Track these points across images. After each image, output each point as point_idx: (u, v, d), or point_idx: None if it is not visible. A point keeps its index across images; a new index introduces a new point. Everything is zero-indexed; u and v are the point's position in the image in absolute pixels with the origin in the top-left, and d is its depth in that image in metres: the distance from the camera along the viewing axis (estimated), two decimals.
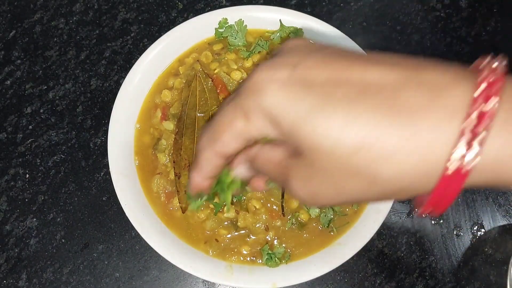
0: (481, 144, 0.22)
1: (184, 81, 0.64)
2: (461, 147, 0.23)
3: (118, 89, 0.62)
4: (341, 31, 0.65)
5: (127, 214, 0.58)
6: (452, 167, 0.23)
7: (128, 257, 0.63)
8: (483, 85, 0.23)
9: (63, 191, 0.65)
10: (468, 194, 0.66)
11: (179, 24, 0.65)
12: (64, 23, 0.73)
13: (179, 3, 0.74)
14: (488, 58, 0.25)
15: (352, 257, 0.57)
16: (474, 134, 0.22)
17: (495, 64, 0.25)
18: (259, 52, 0.65)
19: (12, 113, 0.68)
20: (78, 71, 0.70)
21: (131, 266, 0.63)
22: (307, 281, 0.59)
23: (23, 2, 0.73)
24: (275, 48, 0.65)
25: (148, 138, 0.63)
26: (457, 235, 0.65)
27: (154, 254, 0.62)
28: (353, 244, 0.58)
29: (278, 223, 0.59)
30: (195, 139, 0.60)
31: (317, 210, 0.59)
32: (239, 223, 0.58)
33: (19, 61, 0.71)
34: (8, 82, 0.70)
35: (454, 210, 0.66)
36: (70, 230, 0.64)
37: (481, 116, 0.23)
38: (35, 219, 0.64)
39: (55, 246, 0.63)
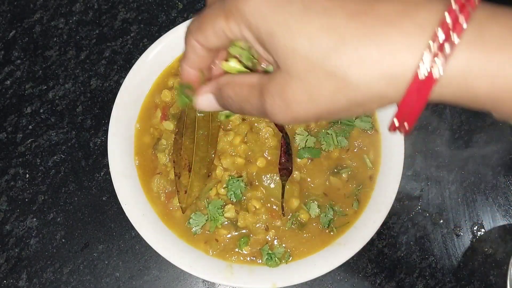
0: (446, 56, 0.24)
1: None
2: (428, 58, 0.24)
3: (118, 89, 0.62)
4: None
5: (127, 214, 0.58)
6: (420, 75, 0.24)
7: (128, 257, 0.63)
8: (455, 5, 0.24)
9: (63, 191, 0.65)
10: (468, 194, 0.66)
11: (179, 24, 0.65)
12: (64, 23, 0.72)
13: (179, 3, 0.74)
14: None
15: (352, 257, 0.57)
16: (441, 47, 0.24)
17: None
18: None
19: (12, 113, 0.68)
20: (78, 71, 0.70)
21: (131, 266, 0.63)
22: (307, 281, 0.59)
23: (23, 2, 0.73)
24: None
25: (148, 138, 0.63)
26: (457, 235, 0.65)
27: (154, 254, 0.62)
28: (353, 244, 0.58)
29: (278, 223, 0.59)
30: (195, 139, 0.60)
31: (317, 210, 0.59)
32: (239, 223, 0.58)
33: (19, 61, 0.71)
34: (8, 82, 0.70)
35: (454, 210, 0.66)
36: (70, 230, 0.64)
37: (448, 31, 0.24)
38: (35, 219, 0.64)
39: (55, 246, 0.63)
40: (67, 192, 0.65)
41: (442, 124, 0.69)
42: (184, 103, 0.39)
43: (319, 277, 0.57)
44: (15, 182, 0.66)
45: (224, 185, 0.59)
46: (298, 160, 0.60)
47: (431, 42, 0.24)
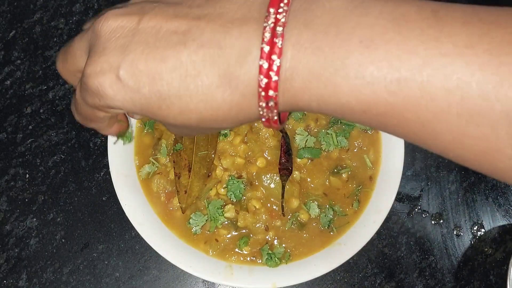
0: (275, 106, 0.27)
1: None
2: (262, 110, 0.27)
3: None
4: None
5: (127, 214, 0.58)
6: (263, 117, 0.28)
7: (128, 257, 0.63)
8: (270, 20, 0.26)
9: (63, 191, 0.65)
10: (468, 194, 0.66)
11: None
12: (64, 23, 0.73)
13: None
14: None
15: (352, 257, 0.57)
16: (267, 99, 0.26)
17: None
18: None
19: (12, 113, 0.68)
20: None
21: (131, 266, 0.63)
22: (307, 281, 0.59)
23: (23, 2, 0.73)
24: None
25: (148, 138, 0.63)
26: (457, 235, 0.65)
27: (154, 254, 0.62)
28: (353, 244, 0.58)
29: (278, 223, 0.59)
30: (195, 139, 0.60)
31: (317, 210, 0.59)
32: (239, 223, 0.58)
33: (19, 61, 0.71)
34: (8, 82, 0.70)
35: (454, 210, 0.66)
36: (70, 230, 0.64)
37: (272, 44, 0.25)
38: (35, 219, 0.64)
39: (55, 246, 0.63)
40: (67, 192, 0.65)
41: None
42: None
43: (319, 277, 0.57)
44: (15, 182, 0.66)
45: (224, 185, 0.59)
46: (298, 160, 0.60)
47: (259, 102, 0.27)
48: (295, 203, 0.59)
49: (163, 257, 0.57)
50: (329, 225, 0.59)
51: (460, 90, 0.23)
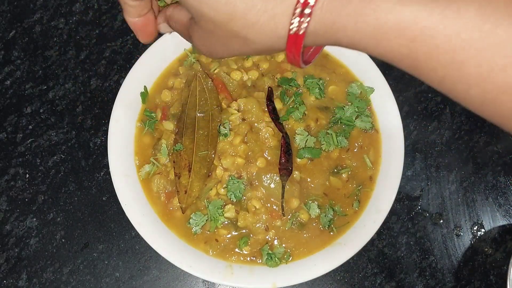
0: (308, 15, 0.30)
1: (184, 81, 0.64)
2: (296, 17, 0.31)
3: (118, 89, 0.62)
4: None
5: (127, 214, 0.58)
6: (291, 30, 0.31)
7: (128, 257, 0.63)
8: None
9: (63, 191, 0.65)
10: (468, 194, 0.66)
11: None
12: (64, 23, 0.73)
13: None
14: None
15: (352, 257, 0.57)
16: (304, 6, 0.30)
17: None
18: None
19: (12, 113, 0.68)
20: (78, 71, 0.70)
21: (131, 266, 0.63)
22: (307, 281, 0.59)
23: (23, 2, 0.73)
24: None
25: (148, 138, 0.63)
26: (457, 235, 0.65)
27: (154, 254, 0.62)
28: (353, 244, 0.58)
29: (278, 223, 0.59)
30: (195, 139, 0.60)
31: (317, 210, 0.59)
32: (239, 223, 0.58)
33: (19, 61, 0.71)
34: (8, 82, 0.70)
35: (454, 210, 0.66)
36: (70, 230, 0.64)
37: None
38: (35, 219, 0.64)
39: (55, 246, 0.63)
40: (67, 192, 0.65)
41: (442, 124, 0.69)
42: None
43: (319, 277, 0.57)
44: (15, 182, 0.66)
45: (224, 185, 0.59)
46: (298, 160, 0.60)
47: (296, 6, 0.31)
48: (295, 203, 0.59)
49: (163, 257, 0.57)
50: (329, 225, 0.59)
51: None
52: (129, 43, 0.72)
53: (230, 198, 0.58)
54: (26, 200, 0.65)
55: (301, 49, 0.32)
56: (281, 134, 0.60)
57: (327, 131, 0.61)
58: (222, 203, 0.58)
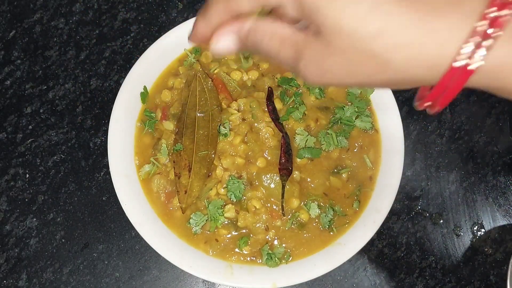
0: (488, 48, 0.25)
1: (184, 81, 0.64)
2: (470, 46, 0.25)
3: (118, 89, 0.62)
4: None
5: (127, 214, 0.58)
6: (459, 62, 0.25)
7: (128, 257, 0.63)
8: None
9: (63, 191, 0.65)
10: (468, 194, 0.66)
11: (179, 24, 0.65)
12: (64, 23, 0.73)
13: (179, 3, 0.74)
14: None
15: (352, 257, 0.57)
16: (484, 37, 0.25)
17: None
18: None
19: (12, 113, 0.68)
20: (78, 71, 0.70)
21: (131, 266, 0.63)
22: (307, 281, 0.59)
23: (23, 2, 0.73)
24: None
25: (148, 138, 0.63)
26: (457, 235, 0.65)
27: (154, 254, 0.62)
28: (353, 244, 0.58)
29: (278, 223, 0.59)
30: (195, 139, 0.60)
31: (317, 210, 0.59)
32: (239, 223, 0.58)
33: (19, 61, 0.71)
34: (8, 82, 0.70)
35: (454, 210, 0.66)
36: (70, 230, 0.64)
37: (493, 22, 0.25)
38: (35, 219, 0.64)
39: (55, 246, 0.63)
40: (67, 192, 0.65)
41: (442, 124, 0.69)
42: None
43: (319, 277, 0.57)
44: (15, 182, 0.66)
45: (224, 185, 0.59)
46: (298, 160, 0.60)
47: (474, 34, 0.25)
48: (295, 203, 0.59)
49: (163, 257, 0.57)
50: (329, 225, 0.59)
51: None
52: (129, 43, 0.72)
53: (230, 198, 0.58)
54: (26, 200, 0.65)
55: (461, 88, 0.26)
56: (281, 134, 0.60)
57: (327, 131, 0.61)
58: (222, 203, 0.58)
